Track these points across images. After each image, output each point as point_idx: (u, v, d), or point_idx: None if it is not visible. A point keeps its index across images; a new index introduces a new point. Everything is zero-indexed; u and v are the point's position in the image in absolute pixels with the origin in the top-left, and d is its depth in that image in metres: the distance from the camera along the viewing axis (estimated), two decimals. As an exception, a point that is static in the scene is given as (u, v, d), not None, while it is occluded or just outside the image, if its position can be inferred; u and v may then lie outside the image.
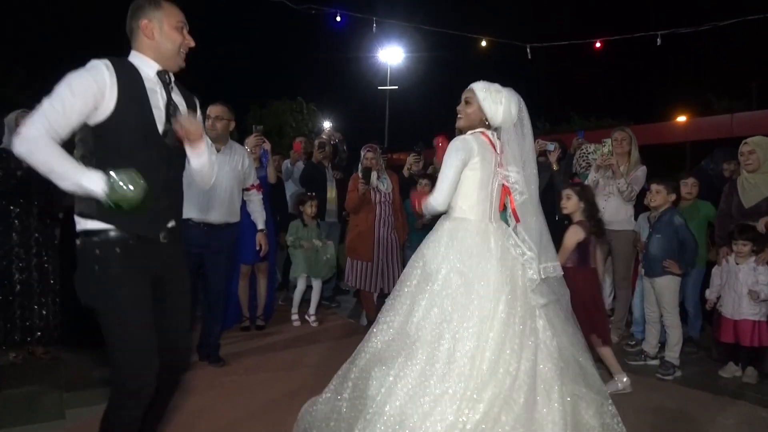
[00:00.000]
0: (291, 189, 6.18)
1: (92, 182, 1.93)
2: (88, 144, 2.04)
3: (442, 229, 2.79)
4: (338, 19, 10.02)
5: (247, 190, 4.35)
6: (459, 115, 2.83)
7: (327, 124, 25.25)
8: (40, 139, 1.89)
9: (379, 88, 28.01)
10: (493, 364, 2.43)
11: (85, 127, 2.03)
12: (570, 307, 2.91)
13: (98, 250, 2.03)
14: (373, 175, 4.97)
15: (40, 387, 3.57)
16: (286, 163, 6.45)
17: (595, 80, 34.55)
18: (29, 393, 3.48)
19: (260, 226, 4.41)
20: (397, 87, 28.09)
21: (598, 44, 10.46)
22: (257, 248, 4.42)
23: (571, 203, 3.78)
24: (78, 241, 2.08)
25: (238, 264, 4.81)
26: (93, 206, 2.01)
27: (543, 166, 5.49)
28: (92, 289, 2.06)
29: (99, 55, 2.08)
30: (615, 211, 4.74)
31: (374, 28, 10.06)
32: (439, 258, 2.68)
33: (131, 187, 1.92)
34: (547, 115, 30.03)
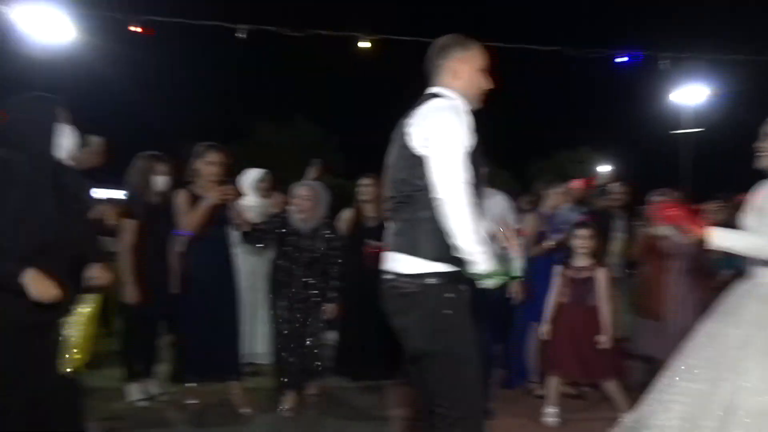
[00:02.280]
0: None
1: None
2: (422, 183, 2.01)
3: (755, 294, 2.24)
4: (624, 59, 9.38)
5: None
6: (761, 153, 2.36)
7: (603, 168, 23.30)
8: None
9: (672, 132, 25.25)
10: None
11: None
12: None
13: (454, 294, 2.00)
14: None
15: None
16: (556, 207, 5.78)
17: None
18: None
19: None
20: (703, 129, 24.90)
21: None
22: None
23: None
24: (414, 284, 2.00)
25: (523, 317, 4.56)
26: (445, 248, 1.97)
27: None
28: (443, 331, 1.99)
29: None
30: None
31: (664, 65, 9.12)
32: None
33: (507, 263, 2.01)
34: None
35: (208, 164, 3.88)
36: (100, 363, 4.94)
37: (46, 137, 2.26)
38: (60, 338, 2.32)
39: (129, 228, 3.88)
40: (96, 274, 2.44)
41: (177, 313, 3.94)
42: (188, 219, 3.82)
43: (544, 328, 4.03)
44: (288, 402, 3.95)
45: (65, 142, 2.33)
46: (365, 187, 4.79)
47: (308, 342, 4.02)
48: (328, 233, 4.15)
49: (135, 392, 3.96)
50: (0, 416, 2.14)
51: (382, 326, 4.36)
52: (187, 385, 3.95)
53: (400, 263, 2.03)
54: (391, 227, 2.15)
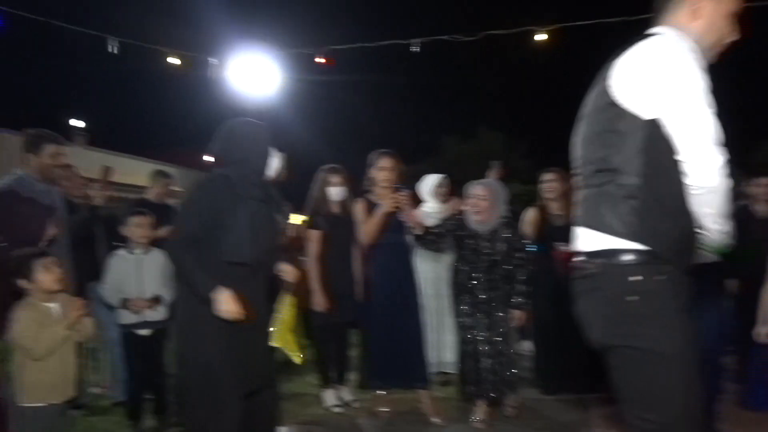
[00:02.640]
0: None
1: None
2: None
3: None
4: None
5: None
6: None
7: None
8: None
9: None
10: None
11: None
12: None
13: (644, 277, 1.61)
14: None
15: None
16: None
17: None
18: None
19: None
20: None
21: None
22: None
23: None
24: (596, 264, 1.69)
25: None
26: (641, 224, 1.61)
27: None
28: (628, 321, 1.63)
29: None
30: None
31: None
32: None
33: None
34: None
35: (380, 170, 3.90)
36: (300, 369, 5.26)
37: (262, 156, 2.54)
38: (266, 342, 2.50)
39: (314, 238, 4.04)
40: (285, 269, 2.65)
41: (363, 321, 3.99)
42: (365, 227, 3.87)
43: (763, 331, 3.34)
44: (480, 413, 3.73)
45: (274, 162, 2.59)
46: (549, 183, 4.42)
47: (497, 350, 3.75)
48: (508, 234, 3.86)
49: (330, 398, 4.07)
50: (217, 416, 2.30)
51: (582, 334, 4.00)
52: (377, 392, 3.96)
53: (583, 240, 1.74)
54: (579, 199, 1.82)
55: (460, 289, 3.85)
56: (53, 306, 2.57)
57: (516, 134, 28.65)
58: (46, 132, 3.39)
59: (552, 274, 4.11)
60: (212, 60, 9.18)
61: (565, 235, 4.13)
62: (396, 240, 3.93)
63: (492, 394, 3.74)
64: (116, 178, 4.79)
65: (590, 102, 1.79)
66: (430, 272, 4.44)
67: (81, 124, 20.30)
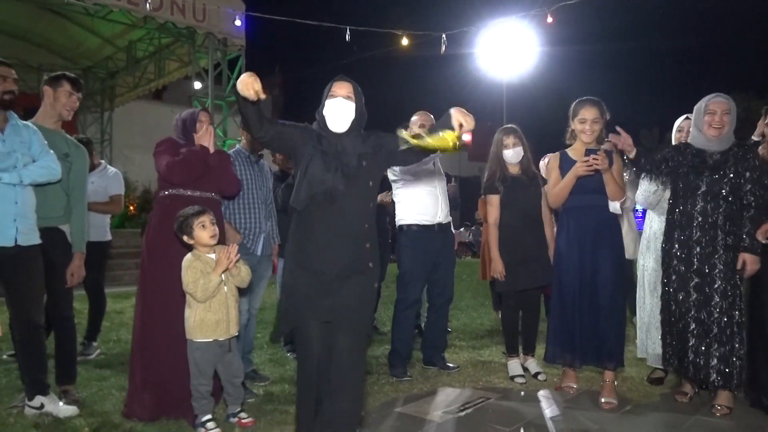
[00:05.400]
0: None
1: None
2: None
3: None
4: None
5: None
6: None
7: None
8: None
9: None
10: None
11: None
12: None
13: None
14: None
15: None
16: None
17: None
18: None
19: None
20: None
21: None
22: None
23: None
24: None
25: None
26: None
27: None
28: None
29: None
30: None
31: None
32: None
33: None
34: None
35: (580, 122, 3.50)
36: (492, 337, 5.16)
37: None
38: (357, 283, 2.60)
39: (492, 203, 3.90)
40: None
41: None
42: (554, 190, 3.55)
43: None
44: (682, 395, 3.18)
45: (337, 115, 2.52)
46: None
47: (715, 324, 3.11)
48: (745, 163, 3.12)
49: (514, 368, 3.93)
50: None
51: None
52: (565, 367, 3.68)
53: None
54: None
55: (669, 234, 3.26)
56: (213, 256, 2.90)
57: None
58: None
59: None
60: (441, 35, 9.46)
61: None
62: (590, 203, 3.51)
63: (700, 379, 3.15)
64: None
65: None
66: (653, 239, 3.87)
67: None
